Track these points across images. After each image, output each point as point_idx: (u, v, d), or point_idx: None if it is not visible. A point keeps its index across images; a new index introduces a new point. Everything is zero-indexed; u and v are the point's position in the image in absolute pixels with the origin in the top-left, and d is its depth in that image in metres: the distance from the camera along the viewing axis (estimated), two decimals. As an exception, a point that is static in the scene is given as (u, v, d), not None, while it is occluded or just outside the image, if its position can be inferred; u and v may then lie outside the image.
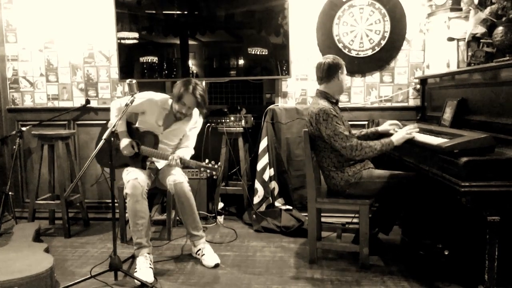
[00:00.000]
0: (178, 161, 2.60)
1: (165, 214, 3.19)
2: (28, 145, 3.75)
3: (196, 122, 2.89)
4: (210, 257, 2.64)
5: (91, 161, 2.30)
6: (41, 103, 3.75)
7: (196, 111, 2.86)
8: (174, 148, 2.88)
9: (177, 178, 2.66)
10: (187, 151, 2.81)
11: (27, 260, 2.36)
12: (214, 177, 2.60)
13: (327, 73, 2.59)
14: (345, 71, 2.63)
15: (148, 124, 2.80)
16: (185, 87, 2.63)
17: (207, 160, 2.61)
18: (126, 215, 2.99)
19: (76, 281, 2.32)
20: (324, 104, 2.52)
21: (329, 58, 2.61)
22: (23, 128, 3.53)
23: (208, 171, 2.58)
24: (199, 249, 2.69)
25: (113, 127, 2.33)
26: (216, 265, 2.60)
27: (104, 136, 2.32)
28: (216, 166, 2.58)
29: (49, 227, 3.49)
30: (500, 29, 2.34)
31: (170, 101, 2.79)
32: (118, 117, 2.71)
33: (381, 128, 2.79)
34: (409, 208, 2.77)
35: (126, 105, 2.46)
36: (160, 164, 2.87)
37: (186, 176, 2.74)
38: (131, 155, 2.72)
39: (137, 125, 2.86)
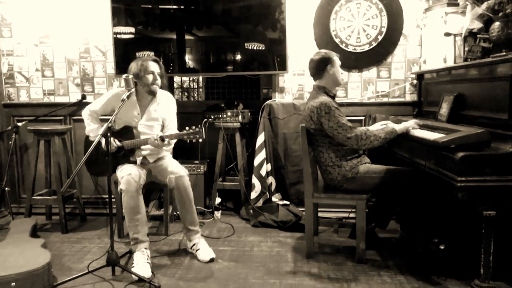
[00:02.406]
0: (158, 139, 2.59)
1: (162, 209, 3.19)
2: (24, 140, 3.73)
3: (169, 104, 2.90)
4: (205, 251, 2.65)
5: (87, 157, 2.29)
6: (37, 98, 3.73)
7: (166, 94, 2.90)
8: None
9: (178, 172, 2.67)
10: (168, 132, 2.81)
11: (24, 255, 2.36)
12: (200, 140, 2.57)
13: (315, 70, 2.63)
14: (336, 64, 2.61)
15: (123, 119, 2.79)
16: (141, 60, 2.74)
17: (187, 128, 2.57)
18: (123, 210, 2.99)
19: (73, 277, 2.32)
20: (324, 97, 2.53)
21: (316, 54, 2.64)
22: (19, 124, 3.52)
23: (192, 136, 2.54)
24: (194, 244, 2.70)
25: (109, 122, 2.32)
26: (211, 260, 2.60)
27: (100, 132, 2.32)
28: (197, 129, 2.53)
29: (46, 223, 3.49)
30: (496, 24, 2.34)
31: (133, 89, 2.74)
32: (92, 122, 2.84)
33: (372, 128, 2.78)
34: (405, 203, 2.78)
35: (123, 100, 2.46)
36: (151, 157, 2.86)
37: (187, 171, 2.75)
38: (118, 153, 2.71)
39: (115, 127, 2.83)
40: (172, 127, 2.87)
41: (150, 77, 2.72)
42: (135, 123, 2.80)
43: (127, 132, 2.76)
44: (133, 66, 2.73)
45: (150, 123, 2.83)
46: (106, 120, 2.43)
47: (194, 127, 2.54)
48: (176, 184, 2.65)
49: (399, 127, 2.51)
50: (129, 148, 2.72)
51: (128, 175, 2.54)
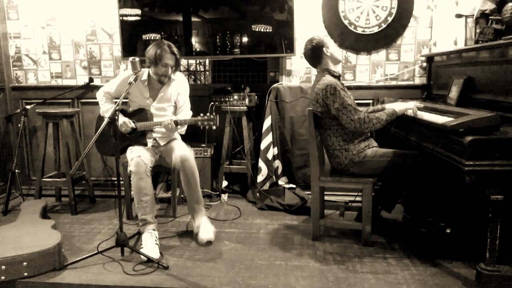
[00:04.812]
0: (172, 123, 2.63)
1: (170, 191, 3.23)
2: (33, 123, 3.76)
3: (182, 84, 2.92)
4: (204, 232, 2.63)
5: (95, 139, 2.32)
6: (44, 81, 3.75)
7: (178, 74, 2.93)
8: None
9: (184, 153, 2.68)
10: (182, 115, 2.86)
11: (35, 236, 2.41)
12: (214, 127, 2.62)
13: (313, 59, 2.62)
14: (329, 44, 2.60)
15: (137, 102, 2.85)
16: (161, 48, 2.68)
17: (202, 114, 2.62)
18: (132, 192, 3.03)
19: (83, 257, 2.37)
20: (330, 79, 2.51)
21: (309, 43, 2.60)
22: (28, 106, 3.54)
23: (205, 123, 2.59)
24: (198, 225, 2.71)
25: (117, 105, 2.33)
26: (208, 243, 2.60)
27: (108, 115, 2.33)
28: (211, 116, 2.58)
29: (56, 204, 3.55)
30: (510, 5, 2.29)
31: (146, 72, 2.82)
32: (106, 103, 2.88)
33: (388, 105, 2.78)
34: (412, 186, 2.78)
35: (130, 83, 2.46)
36: (162, 140, 2.89)
37: (192, 151, 2.76)
38: (130, 134, 2.75)
39: (129, 108, 2.91)
40: (186, 109, 2.91)
41: (162, 69, 2.72)
42: (148, 105, 2.83)
43: (141, 113, 2.79)
44: (151, 51, 2.70)
45: (162, 105, 2.86)
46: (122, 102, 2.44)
47: (208, 114, 2.58)
48: (182, 165, 2.67)
49: (399, 108, 2.52)
50: (141, 130, 2.75)
51: (138, 157, 2.56)
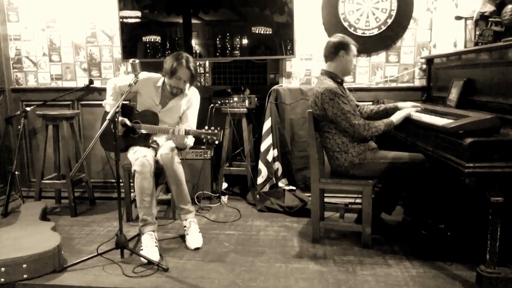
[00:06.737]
0: (183, 131, 2.59)
1: (170, 193, 3.22)
2: (33, 125, 3.76)
3: (193, 101, 2.89)
4: (192, 238, 2.63)
5: (96, 141, 2.32)
6: (44, 83, 3.75)
7: (193, 90, 2.89)
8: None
9: (166, 150, 2.65)
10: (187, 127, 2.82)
11: (35, 238, 2.41)
12: (216, 142, 2.58)
13: (330, 51, 2.60)
14: (352, 52, 2.58)
15: (146, 104, 2.84)
16: (178, 61, 2.64)
17: (206, 127, 2.59)
18: (132, 194, 3.04)
19: (83, 259, 2.37)
20: (329, 83, 2.51)
21: (336, 37, 2.61)
22: (28, 108, 3.54)
23: (209, 136, 2.55)
24: (185, 226, 2.70)
25: (117, 107, 2.33)
26: (196, 249, 2.58)
27: (108, 117, 2.33)
28: (216, 131, 2.55)
29: (56, 206, 3.54)
30: (509, 7, 2.29)
31: (162, 79, 2.81)
32: (112, 96, 2.86)
33: (390, 104, 2.76)
34: (412, 188, 2.78)
35: (130, 85, 2.46)
36: (160, 141, 2.89)
37: (176, 149, 2.72)
38: (133, 134, 2.75)
39: (137, 107, 2.90)
40: (192, 125, 2.85)
41: (174, 82, 2.70)
42: (156, 110, 2.81)
43: (148, 115, 2.77)
44: (168, 62, 2.67)
45: (168, 115, 2.85)
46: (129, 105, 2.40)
47: (213, 128, 2.56)
48: (164, 161, 2.64)
49: (396, 118, 2.52)
50: (147, 132, 2.74)
51: (143, 157, 2.56)
